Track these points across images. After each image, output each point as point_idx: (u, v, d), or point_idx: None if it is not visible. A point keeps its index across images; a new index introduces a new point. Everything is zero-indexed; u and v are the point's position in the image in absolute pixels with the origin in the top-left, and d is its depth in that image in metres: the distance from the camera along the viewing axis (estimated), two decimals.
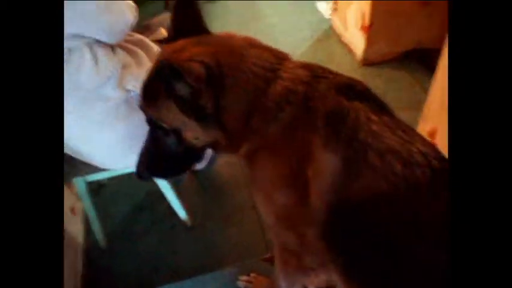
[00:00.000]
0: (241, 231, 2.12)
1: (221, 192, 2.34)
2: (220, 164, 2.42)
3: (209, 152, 2.36)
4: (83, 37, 1.29)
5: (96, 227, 2.03)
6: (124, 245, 2.13)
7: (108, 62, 1.35)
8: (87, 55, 1.31)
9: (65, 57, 1.26)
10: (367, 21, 2.63)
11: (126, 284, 1.95)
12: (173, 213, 2.17)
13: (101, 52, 1.34)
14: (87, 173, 1.68)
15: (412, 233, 0.89)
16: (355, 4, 2.77)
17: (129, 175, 2.36)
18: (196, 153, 1.13)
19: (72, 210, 2.12)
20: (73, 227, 2.07)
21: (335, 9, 3.28)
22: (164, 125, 1.01)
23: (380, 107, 1.00)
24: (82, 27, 1.26)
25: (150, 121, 1.06)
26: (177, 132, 1.02)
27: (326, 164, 0.94)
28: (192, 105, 0.96)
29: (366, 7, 2.57)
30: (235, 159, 2.37)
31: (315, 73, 1.03)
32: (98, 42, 1.35)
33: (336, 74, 1.05)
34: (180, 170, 1.21)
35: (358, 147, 0.92)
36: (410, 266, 0.92)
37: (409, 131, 0.96)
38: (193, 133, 1.03)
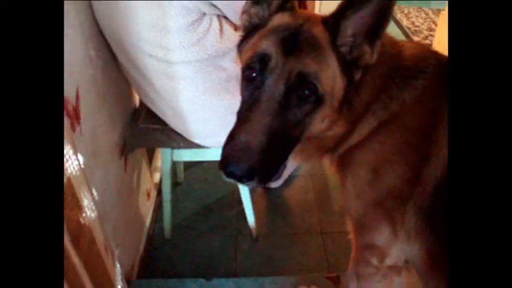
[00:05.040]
0: (305, 253, 2.07)
1: (290, 212, 2.31)
2: (293, 187, 2.43)
3: (286, 173, 2.39)
4: (216, 8, 1.41)
5: (167, 215, 2.06)
6: (187, 240, 2.14)
7: (231, 35, 1.46)
8: (215, 23, 1.42)
9: (197, 19, 1.37)
10: None
11: (182, 274, 1.93)
12: (239, 222, 2.19)
13: (226, 26, 1.46)
14: (178, 147, 1.75)
15: None
16: None
17: (205, 178, 2.47)
18: (294, 146, 0.97)
19: (148, 194, 2.19)
20: (144, 210, 2.12)
21: None
22: (318, 86, 0.88)
23: None
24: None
25: (296, 79, 0.88)
26: (318, 102, 0.90)
27: None
28: (350, 64, 0.94)
29: None
30: (309, 184, 2.42)
31: (430, 48, 1.09)
32: (226, 18, 1.47)
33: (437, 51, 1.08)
34: (280, 167, 0.95)
35: None
36: None
37: None
38: (329, 110, 0.93)
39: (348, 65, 0.94)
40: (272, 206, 2.36)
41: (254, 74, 0.90)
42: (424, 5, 5.34)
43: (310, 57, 0.88)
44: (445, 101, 0.98)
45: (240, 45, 1.03)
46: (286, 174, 2.40)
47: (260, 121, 0.84)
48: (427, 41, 4.20)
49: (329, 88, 0.91)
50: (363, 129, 1.03)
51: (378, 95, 1.01)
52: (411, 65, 1.02)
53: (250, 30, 1.01)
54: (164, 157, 1.85)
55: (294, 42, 0.89)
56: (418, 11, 4.99)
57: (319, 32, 0.92)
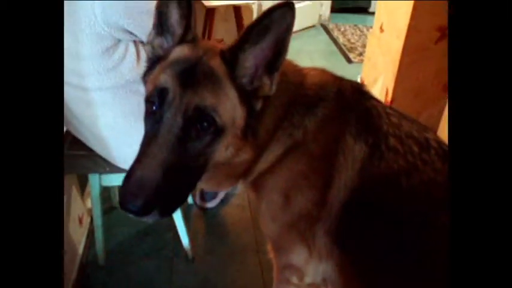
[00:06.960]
0: (241, 271, 2.08)
1: (227, 232, 2.33)
2: (231, 206, 2.45)
3: (222, 193, 2.41)
4: (132, 34, 1.43)
5: (99, 241, 2.02)
6: (121, 266, 2.10)
7: None
8: (132, 49, 1.44)
9: (111, 45, 1.38)
10: (389, 98, 2.77)
11: None
12: (176, 244, 2.18)
13: (143, 51, 1.48)
14: (105, 172, 1.73)
15: (426, 208, 0.96)
16: (380, 80, 2.94)
17: None
18: (200, 176, 0.97)
19: (80, 220, 2.14)
20: (76, 237, 2.07)
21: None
22: (216, 118, 0.89)
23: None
24: (136, 26, 1.40)
25: (193, 113, 0.87)
26: (219, 133, 0.91)
27: (357, 152, 1.02)
28: (250, 95, 0.96)
29: (390, 84, 2.73)
30: (245, 202, 2.45)
31: (334, 75, 1.14)
32: (143, 43, 1.49)
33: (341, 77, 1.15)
34: (185, 198, 0.98)
35: (383, 135, 1.02)
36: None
37: (420, 123, 1.04)
38: (232, 139, 0.95)
39: (248, 95, 0.95)
40: (209, 225, 2.37)
41: (154, 108, 0.90)
42: (359, 21, 5.58)
43: (207, 90, 0.88)
44: (344, 127, 1.04)
45: (145, 76, 1.03)
46: (222, 194, 2.43)
47: (157, 155, 0.84)
48: (361, 57, 4.38)
49: (228, 119, 0.92)
50: (270, 155, 1.07)
51: (281, 123, 1.05)
52: (312, 94, 1.07)
53: (153, 61, 1.01)
54: (92, 183, 1.82)
55: (191, 75, 0.89)
56: (353, 29, 5.21)
57: (216, 64, 0.92)
